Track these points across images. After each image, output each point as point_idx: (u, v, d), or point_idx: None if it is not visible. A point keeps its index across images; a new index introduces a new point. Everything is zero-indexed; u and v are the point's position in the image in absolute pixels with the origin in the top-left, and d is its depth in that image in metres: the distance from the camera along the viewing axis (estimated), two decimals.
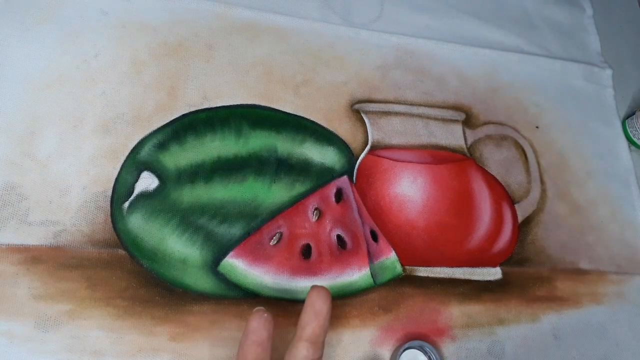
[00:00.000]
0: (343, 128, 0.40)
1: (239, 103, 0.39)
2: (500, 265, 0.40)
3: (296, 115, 0.39)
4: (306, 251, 0.36)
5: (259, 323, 0.27)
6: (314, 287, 0.27)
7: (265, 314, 0.27)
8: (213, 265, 0.34)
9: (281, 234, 0.36)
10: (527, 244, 0.41)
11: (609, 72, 0.50)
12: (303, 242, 0.36)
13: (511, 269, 0.40)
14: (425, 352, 0.35)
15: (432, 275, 0.38)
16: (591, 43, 0.52)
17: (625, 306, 0.41)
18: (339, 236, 0.37)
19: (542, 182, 0.44)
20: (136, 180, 0.35)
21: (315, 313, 0.27)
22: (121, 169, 0.35)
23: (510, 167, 0.43)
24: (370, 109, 0.41)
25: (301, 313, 0.27)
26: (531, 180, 0.43)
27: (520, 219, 0.42)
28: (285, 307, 0.35)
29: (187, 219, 0.35)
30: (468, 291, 0.38)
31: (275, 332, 0.34)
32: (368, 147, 0.40)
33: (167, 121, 0.37)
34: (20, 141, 0.34)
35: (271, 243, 0.36)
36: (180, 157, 0.36)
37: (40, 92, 0.35)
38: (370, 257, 0.37)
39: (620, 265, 0.42)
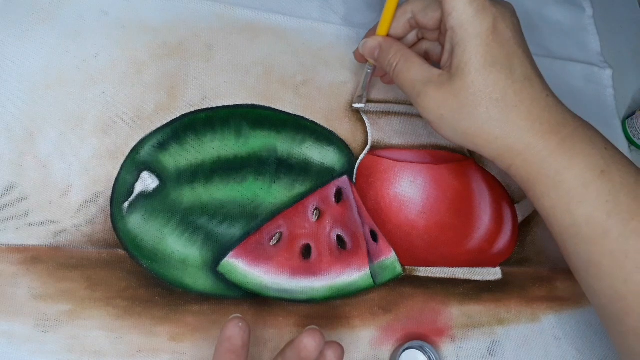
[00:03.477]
0: (343, 128, 0.40)
1: (239, 103, 0.39)
2: (500, 265, 0.40)
3: (296, 115, 0.39)
4: (306, 251, 0.36)
5: (233, 332, 0.27)
6: (309, 330, 0.27)
7: (241, 323, 0.27)
8: (213, 265, 0.34)
9: (281, 234, 0.36)
10: (527, 244, 0.41)
11: (609, 72, 0.50)
12: (303, 242, 0.36)
13: (511, 269, 0.40)
14: (425, 352, 0.35)
15: (432, 275, 0.38)
16: (591, 43, 0.52)
17: None
18: (338, 236, 0.37)
19: None
20: (136, 180, 0.35)
21: (300, 358, 0.26)
22: (121, 169, 0.35)
23: None
24: (370, 109, 0.41)
25: (288, 346, 0.27)
26: None
27: (520, 219, 0.42)
28: (285, 307, 0.35)
29: (187, 219, 0.35)
30: (468, 291, 0.38)
31: (274, 332, 0.34)
32: (368, 147, 0.40)
33: (167, 121, 0.37)
34: (20, 141, 0.34)
35: (271, 243, 0.36)
36: (180, 157, 0.36)
37: (40, 92, 0.35)
38: (370, 257, 0.37)
39: None
